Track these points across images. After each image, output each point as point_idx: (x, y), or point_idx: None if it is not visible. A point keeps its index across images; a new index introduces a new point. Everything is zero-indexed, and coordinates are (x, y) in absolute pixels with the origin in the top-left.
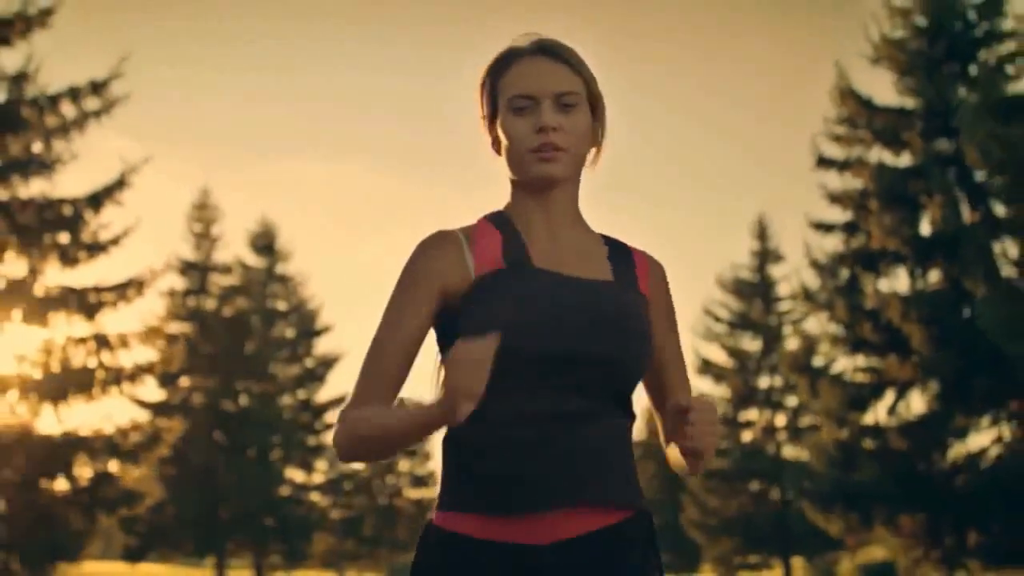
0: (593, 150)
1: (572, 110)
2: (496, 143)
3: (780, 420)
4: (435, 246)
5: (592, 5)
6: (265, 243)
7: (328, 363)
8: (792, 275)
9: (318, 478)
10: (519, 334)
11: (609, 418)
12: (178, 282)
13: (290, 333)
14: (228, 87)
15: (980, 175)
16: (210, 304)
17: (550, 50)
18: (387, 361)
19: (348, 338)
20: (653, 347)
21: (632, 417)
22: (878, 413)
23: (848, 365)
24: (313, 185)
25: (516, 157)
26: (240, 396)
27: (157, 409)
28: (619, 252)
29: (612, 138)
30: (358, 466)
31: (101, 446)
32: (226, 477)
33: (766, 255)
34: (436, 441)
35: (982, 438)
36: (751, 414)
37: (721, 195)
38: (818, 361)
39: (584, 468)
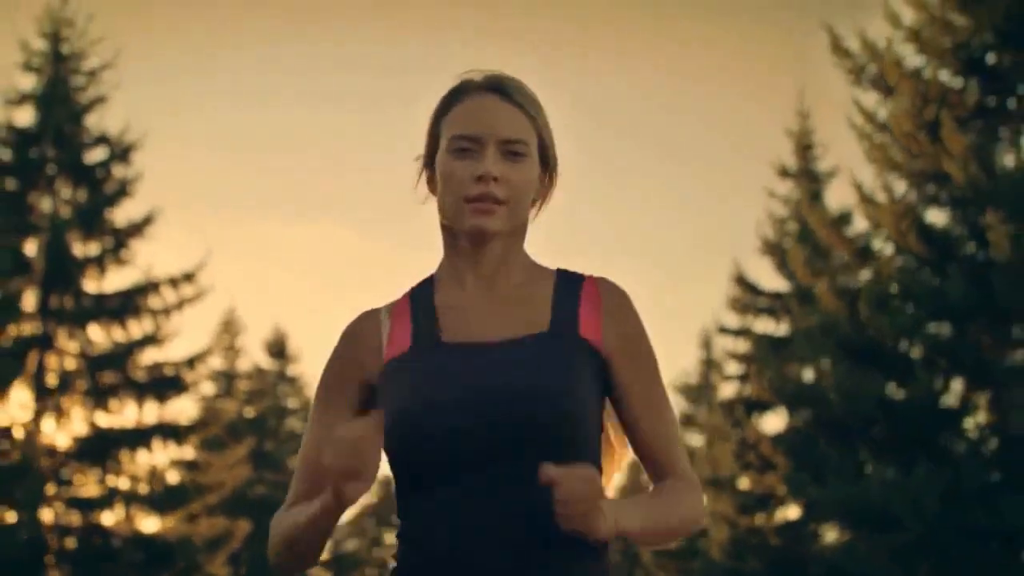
0: (538, 201)
1: (519, 159)
2: (432, 182)
3: None
4: (354, 335)
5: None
6: (278, 348)
7: None
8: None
9: (323, 556)
10: (416, 422)
11: (539, 502)
12: (208, 387)
13: (299, 427)
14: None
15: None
16: (233, 406)
17: (503, 89)
18: (315, 464)
19: None
20: (582, 400)
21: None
22: (760, 518)
23: (742, 480)
24: (282, 247)
25: (451, 204)
26: (258, 486)
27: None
28: (568, 289)
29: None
30: (352, 543)
31: (197, 542)
32: (247, 557)
33: (710, 364)
34: None
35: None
36: None
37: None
38: (723, 474)
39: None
